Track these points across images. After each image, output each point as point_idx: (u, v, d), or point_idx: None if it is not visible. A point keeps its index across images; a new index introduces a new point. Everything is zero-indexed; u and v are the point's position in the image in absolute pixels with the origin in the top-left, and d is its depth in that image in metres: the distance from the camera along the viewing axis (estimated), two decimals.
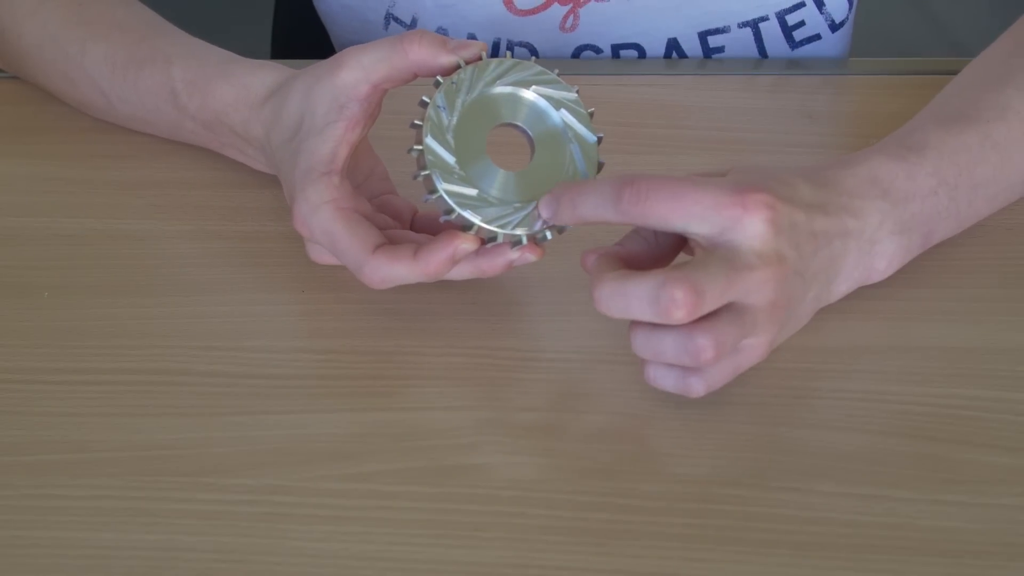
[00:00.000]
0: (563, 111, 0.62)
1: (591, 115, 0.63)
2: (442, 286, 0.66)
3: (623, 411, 0.61)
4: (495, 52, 0.85)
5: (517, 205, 0.61)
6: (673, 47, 0.85)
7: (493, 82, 0.62)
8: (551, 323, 0.65)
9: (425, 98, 0.61)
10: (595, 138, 0.62)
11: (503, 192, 0.61)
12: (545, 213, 0.60)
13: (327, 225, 0.62)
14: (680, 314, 0.54)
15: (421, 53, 0.62)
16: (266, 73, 0.68)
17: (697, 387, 0.58)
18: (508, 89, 0.62)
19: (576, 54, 0.85)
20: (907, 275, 0.67)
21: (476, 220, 0.60)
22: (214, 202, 0.72)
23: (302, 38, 1.03)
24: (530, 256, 0.61)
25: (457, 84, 0.61)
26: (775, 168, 0.61)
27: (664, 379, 0.58)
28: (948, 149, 0.64)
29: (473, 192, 0.60)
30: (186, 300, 0.67)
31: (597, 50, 0.85)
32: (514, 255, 0.61)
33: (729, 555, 0.55)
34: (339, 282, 0.67)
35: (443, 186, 0.60)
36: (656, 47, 0.85)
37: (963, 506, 0.57)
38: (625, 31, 0.84)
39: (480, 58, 0.62)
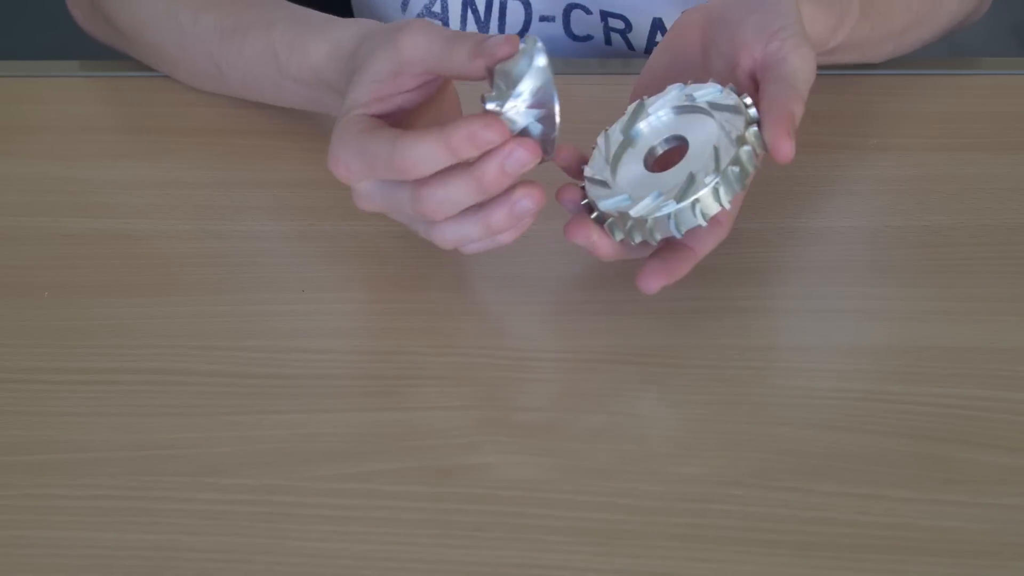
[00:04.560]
0: (716, 113, 0.62)
1: (745, 103, 0.61)
2: (442, 286, 0.67)
3: (623, 411, 0.61)
4: (488, 6, 0.86)
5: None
6: (658, 27, 0.85)
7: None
8: (551, 323, 0.65)
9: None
10: (744, 117, 0.61)
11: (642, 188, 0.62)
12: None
13: (356, 138, 0.60)
14: None
15: (459, 60, 0.61)
16: (357, 27, 0.68)
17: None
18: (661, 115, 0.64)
19: (567, 11, 0.86)
20: (907, 275, 0.67)
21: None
22: (214, 202, 0.72)
23: None
24: (523, 154, 0.59)
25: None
26: None
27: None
28: None
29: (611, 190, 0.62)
30: (186, 300, 0.67)
31: (587, 11, 0.86)
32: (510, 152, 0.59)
33: (729, 555, 0.55)
34: (339, 282, 0.67)
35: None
36: (643, 23, 0.85)
37: (963, 506, 0.57)
38: (615, 1, 0.85)
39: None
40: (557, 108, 0.59)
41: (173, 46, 0.76)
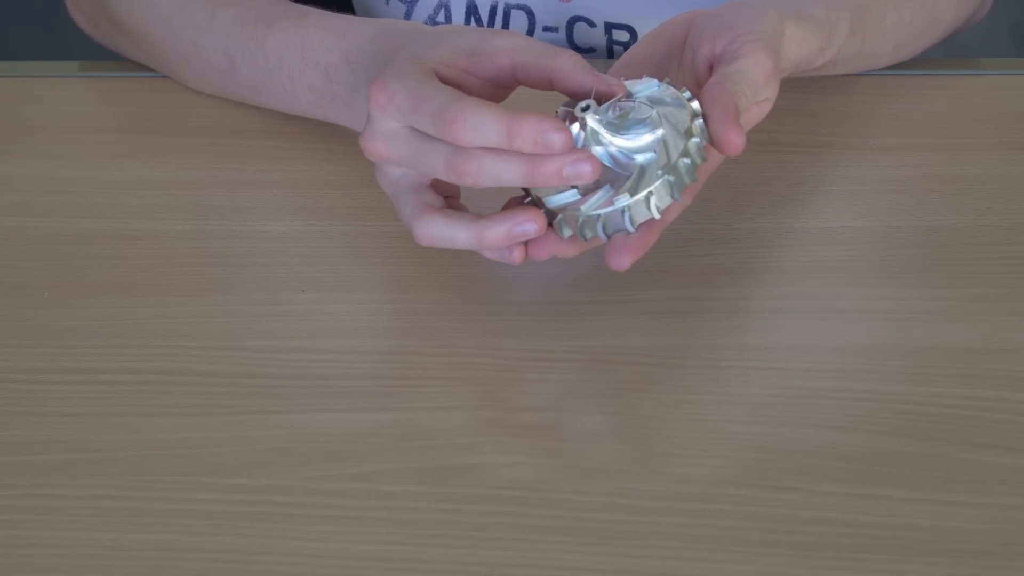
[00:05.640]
0: (657, 107, 0.61)
1: (688, 98, 0.61)
2: (442, 286, 0.67)
3: (623, 411, 0.61)
4: (492, 14, 0.86)
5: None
6: None
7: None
8: (551, 323, 0.65)
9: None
10: (690, 112, 0.60)
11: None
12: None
13: (416, 78, 0.59)
14: None
15: (567, 64, 0.61)
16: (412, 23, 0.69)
17: None
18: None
19: (571, 24, 0.86)
20: (907, 275, 0.67)
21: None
22: (214, 202, 0.72)
23: None
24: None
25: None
26: None
27: None
28: None
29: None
30: (186, 300, 0.67)
31: (591, 24, 0.85)
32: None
33: (729, 555, 0.55)
34: (339, 282, 0.67)
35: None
36: (648, 31, 0.85)
37: (963, 506, 0.57)
38: (620, 11, 0.84)
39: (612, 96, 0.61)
40: (623, 184, 0.59)
41: (185, 43, 0.76)
